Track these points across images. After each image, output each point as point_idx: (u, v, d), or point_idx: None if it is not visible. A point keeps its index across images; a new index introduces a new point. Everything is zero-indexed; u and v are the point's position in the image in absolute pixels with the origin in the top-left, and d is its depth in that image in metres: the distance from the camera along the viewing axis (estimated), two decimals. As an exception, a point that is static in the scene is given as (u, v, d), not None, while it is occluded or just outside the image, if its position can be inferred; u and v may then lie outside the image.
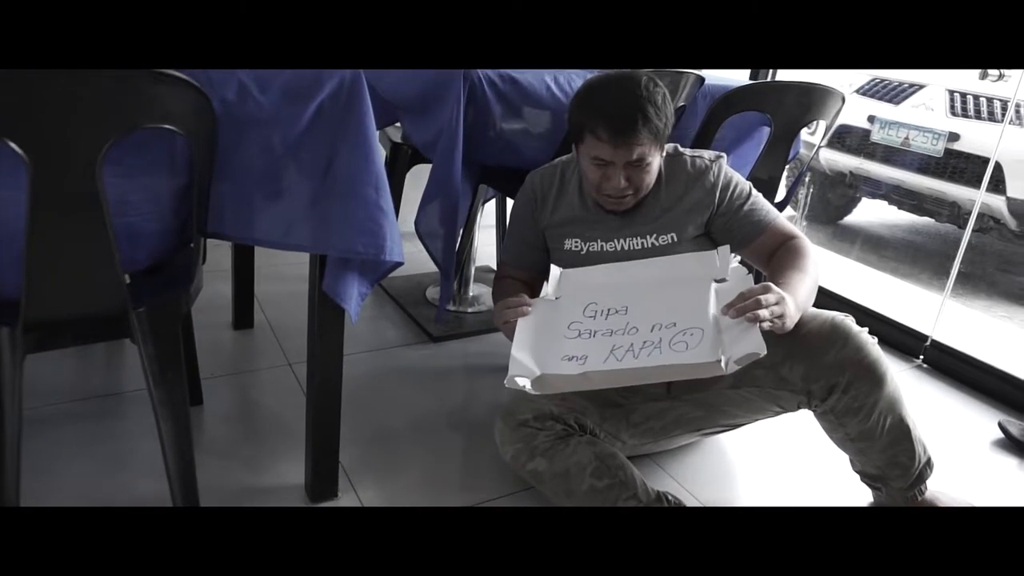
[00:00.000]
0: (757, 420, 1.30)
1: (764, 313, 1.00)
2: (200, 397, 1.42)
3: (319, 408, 1.16)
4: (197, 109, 0.88)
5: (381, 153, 1.03)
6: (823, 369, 1.12)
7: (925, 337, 2.03)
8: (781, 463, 1.47)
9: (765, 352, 0.95)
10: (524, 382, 1.01)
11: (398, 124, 1.81)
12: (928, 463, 1.24)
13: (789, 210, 4.14)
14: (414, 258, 2.41)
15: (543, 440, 1.14)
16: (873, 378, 1.12)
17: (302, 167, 1.00)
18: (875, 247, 3.96)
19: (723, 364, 0.95)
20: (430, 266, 2.32)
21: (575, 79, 1.62)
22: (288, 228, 1.03)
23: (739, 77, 2.37)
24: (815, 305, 1.19)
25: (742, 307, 1.01)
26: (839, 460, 1.31)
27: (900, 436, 1.18)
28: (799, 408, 1.20)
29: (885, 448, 1.19)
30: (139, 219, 0.98)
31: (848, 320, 1.15)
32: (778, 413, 1.25)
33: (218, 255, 1.71)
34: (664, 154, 1.29)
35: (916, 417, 1.20)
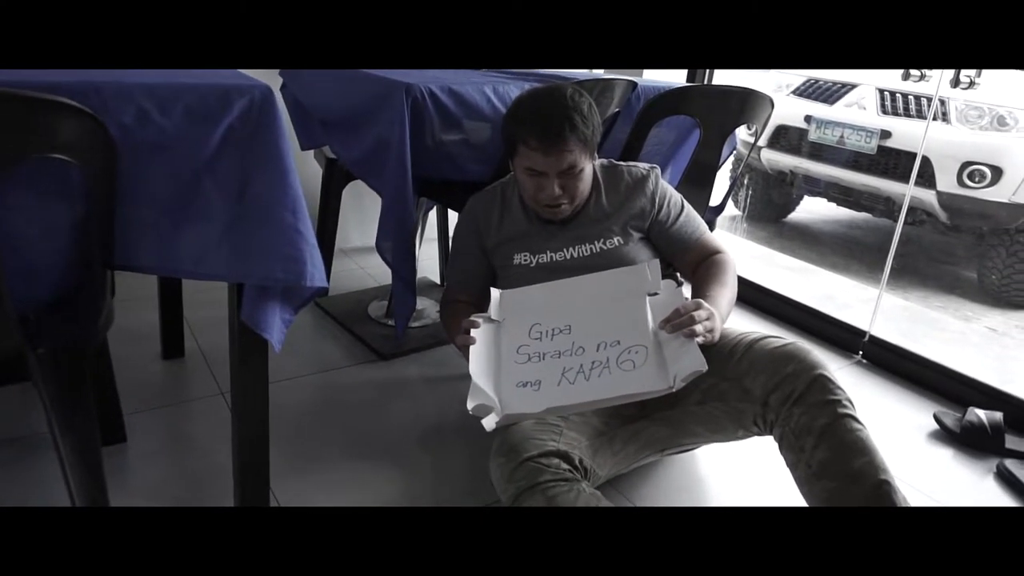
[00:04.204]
0: (716, 441, 1.29)
1: (699, 328, 1.06)
2: (123, 435, 1.35)
3: (245, 443, 1.11)
4: (90, 136, 0.83)
5: (297, 174, 0.98)
6: (782, 378, 1.11)
7: (864, 333, 2.07)
8: (738, 484, 1.47)
9: (706, 368, 1.00)
10: (490, 423, 1.02)
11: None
12: None
13: (732, 209, 4.23)
14: (353, 275, 2.37)
15: (548, 477, 1.07)
16: (825, 391, 1.08)
17: (213, 192, 0.96)
18: (816, 243, 4.06)
19: (671, 384, 1.01)
20: (369, 282, 2.28)
21: (513, 91, 1.61)
22: (201, 257, 0.98)
23: (677, 78, 2.40)
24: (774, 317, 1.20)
25: (678, 323, 1.08)
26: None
27: (882, 501, 1.03)
28: (755, 425, 1.17)
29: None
30: (34, 254, 0.92)
31: (808, 346, 1.16)
32: (736, 434, 1.22)
33: (144, 281, 1.63)
34: (600, 166, 1.37)
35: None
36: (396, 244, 1.51)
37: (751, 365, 1.15)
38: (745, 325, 2.19)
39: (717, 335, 1.12)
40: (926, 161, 3.06)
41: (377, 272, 2.37)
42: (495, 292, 1.26)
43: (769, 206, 4.23)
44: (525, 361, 1.11)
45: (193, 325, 1.81)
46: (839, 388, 1.10)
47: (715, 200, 1.91)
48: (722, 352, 1.18)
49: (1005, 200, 2.98)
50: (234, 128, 0.94)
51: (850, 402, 1.10)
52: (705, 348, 1.07)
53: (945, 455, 1.62)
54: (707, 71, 2.58)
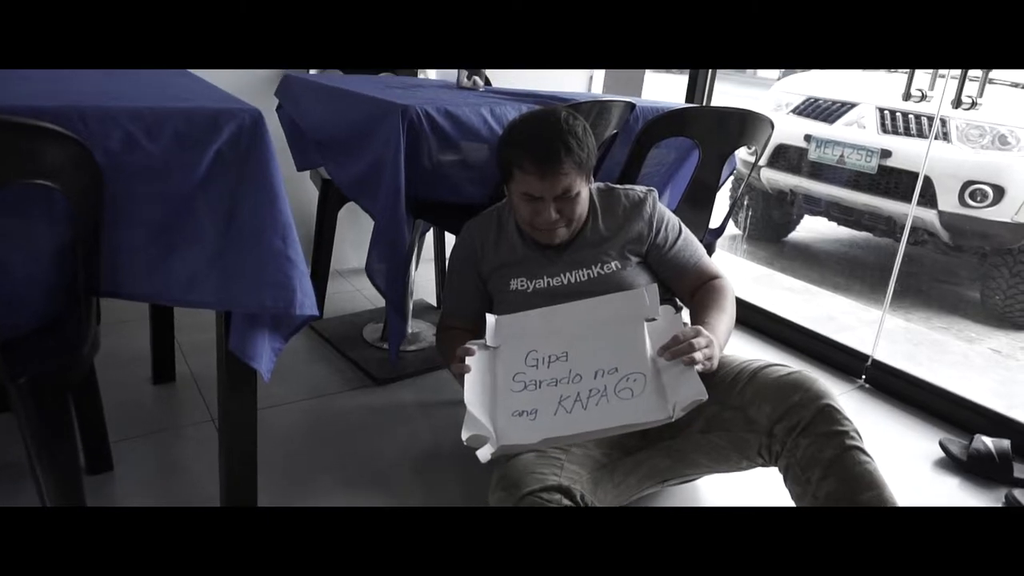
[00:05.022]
0: (718, 472, 1.26)
1: (698, 356, 1.04)
2: (110, 463, 1.32)
3: (233, 472, 1.09)
4: (75, 162, 0.81)
5: (288, 200, 0.96)
6: (788, 407, 1.08)
7: (866, 357, 2.04)
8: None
9: (706, 397, 0.98)
10: (485, 454, 1.00)
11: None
12: None
13: (732, 229, 4.22)
14: (348, 297, 2.34)
15: None
16: (832, 421, 1.06)
17: (202, 218, 0.94)
18: (817, 263, 4.04)
19: (671, 414, 0.99)
20: (364, 305, 2.26)
21: (510, 112, 1.59)
22: (189, 284, 0.96)
23: (676, 96, 2.39)
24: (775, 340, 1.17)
25: (677, 350, 1.06)
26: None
27: None
28: (759, 455, 1.13)
29: None
30: (17, 281, 0.90)
31: (814, 375, 1.14)
32: (740, 464, 1.19)
33: (135, 303, 1.61)
34: (596, 189, 1.35)
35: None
36: (389, 268, 1.49)
37: (756, 394, 1.13)
38: (746, 348, 2.17)
39: (716, 363, 1.10)
40: (927, 181, 3.04)
41: (372, 294, 2.34)
42: (490, 318, 1.24)
43: (769, 226, 4.21)
44: (521, 389, 1.09)
45: (185, 349, 1.78)
46: (846, 419, 1.07)
47: (715, 222, 1.89)
48: (725, 380, 1.15)
49: (1008, 220, 2.96)
50: (223, 153, 0.92)
51: (857, 433, 1.06)
52: (707, 376, 1.04)
53: (951, 484, 1.58)
54: (707, 88, 2.57)
